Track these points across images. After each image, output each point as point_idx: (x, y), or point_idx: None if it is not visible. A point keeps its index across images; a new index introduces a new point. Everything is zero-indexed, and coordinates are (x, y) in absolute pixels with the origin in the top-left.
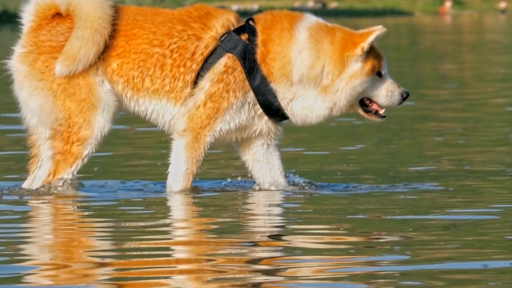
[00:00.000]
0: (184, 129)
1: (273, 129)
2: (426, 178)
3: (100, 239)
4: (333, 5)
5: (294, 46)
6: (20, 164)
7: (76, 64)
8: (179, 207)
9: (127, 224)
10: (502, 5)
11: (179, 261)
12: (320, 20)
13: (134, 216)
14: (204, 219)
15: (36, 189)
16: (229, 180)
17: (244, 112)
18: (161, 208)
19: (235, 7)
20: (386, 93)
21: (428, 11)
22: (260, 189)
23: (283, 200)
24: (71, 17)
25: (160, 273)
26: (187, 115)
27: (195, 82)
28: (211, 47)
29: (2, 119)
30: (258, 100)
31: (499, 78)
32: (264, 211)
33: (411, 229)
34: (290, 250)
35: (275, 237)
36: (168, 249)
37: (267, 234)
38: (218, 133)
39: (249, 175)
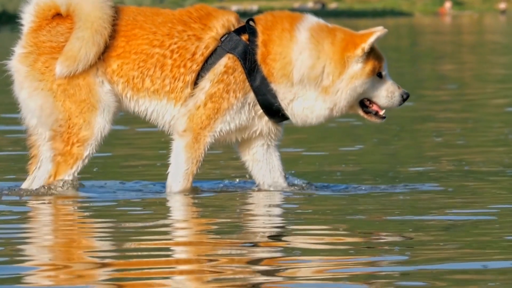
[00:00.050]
0: (184, 129)
1: (273, 130)
2: (426, 179)
3: (100, 239)
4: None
5: (294, 46)
6: (20, 164)
7: (76, 65)
8: (178, 207)
9: (127, 224)
10: (502, 5)
11: (178, 261)
12: (321, 21)
13: (134, 216)
14: (203, 220)
15: (36, 189)
16: (228, 181)
17: (244, 112)
18: (161, 208)
19: (234, 7)
20: (386, 94)
21: (427, 11)
22: (259, 190)
23: (282, 201)
24: (71, 18)
25: (160, 274)
26: (187, 116)
27: (195, 83)
28: (211, 48)
29: (2, 120)
30: (258, 100)
31: (498, 78)
32: (263, 211)
33: (410, 230)
34: (289, 251)
35: (275, 237)
36: (167, 249)
37: (267, 235)
38: (218, 133)
39: (246, 176)
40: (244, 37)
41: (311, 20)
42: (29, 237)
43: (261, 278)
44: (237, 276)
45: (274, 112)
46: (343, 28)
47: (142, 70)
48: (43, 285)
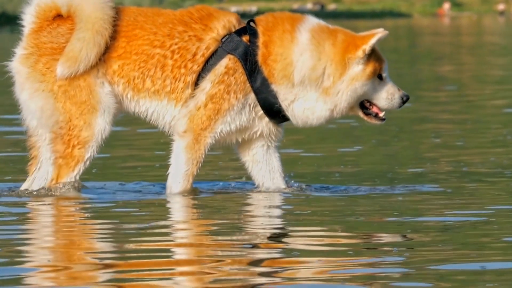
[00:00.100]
0: (184, 130)
1: (273, 131)
2: (424, 180)
3: (100, 240)
4: (331, 7)
5: (295, 47)
6: (19, 165)
7: (77, 66)
8: (178, 208)
9: (126, 225)
10: (501, 7)
11: (178, 262)
12: (322, 22)
13: (134, 217)
14: (203, 221)
15: (35, 190)
16: (226, 182)
17: (244, 113)
18: (161, 209)
19: (233, 8)
20: (386, 95)
21: (426, 13)
22: (259, 191)
23: (282, 202)
24: (72, 19)
25: (160, 275)
26: (188, 116)
27: (196, 83)
28: (212, 48)
29: (1, 121)
30: (259, 101)
31: (497, 80)
32: (263, 212)
33: (409, 231)
34: (288, 252)
35: (274, 238)
36: (167, 250)
37: (266, 236)
38: (218, 134)
39: (243, 178)
40: (245, 38)
41: (312, 21)
42: (29, 238)
43: (260, 279)
44: (236, 277)
45: (275, 113)
46: (344, 30)
47: (142, 70)
48: (43, 286)
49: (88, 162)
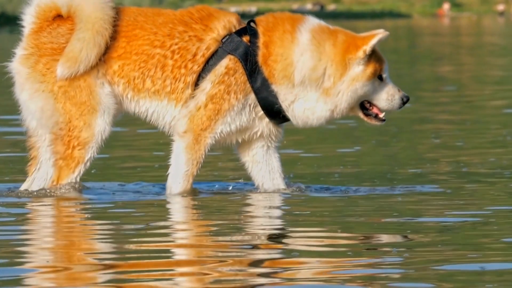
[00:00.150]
0: (184, 130)
1: (273, 131)
2: (424, 180)
3: (100, 241)
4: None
5: (296, 48)
6: (18, 166)
7: (78, 66)
8: (178, 209)
9: (126, 226)
10: (500, 7)
11: (178, 263)
12: (322, 23)
13: (133, 218)
14: (202, 221)
15: (35, 191)
16: (225, 182)
17: (245, 114)
18: (160, 210)
19: (233, 9)
20: (386, 96)
21: (426, 13)
22: (258, 191)
23: (281, 202)
24: (72, 19)
25: (159, 276)
26: (188, 117)
27: (196, 84)
28: (212, 49)
29: (0, 121)
30: (259, 102)
31: (497, 80)
32: (262, 213)
33: (408, 231)
34: (288, 252)
35: (273, 239)
36: (167, 251)
37: (266, 237)
38: (218, 134)
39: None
40: (245, 39)
41: (313, 21)
42: (28, 239)
43: (259, 280)
44: (236, 278)
45: (275, 113)
46: (344, 30)
47: (143, 70)
48: (42, 287)
49: (88, 163)
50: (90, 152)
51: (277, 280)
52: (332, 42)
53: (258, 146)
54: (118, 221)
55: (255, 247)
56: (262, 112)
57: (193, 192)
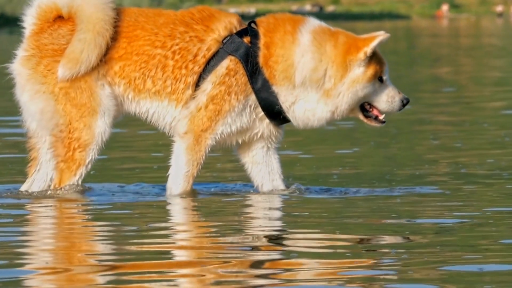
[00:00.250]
0: (185, 131)
1: (274, 132)
2: (423, 182)
3: (99, 242)
4: (330, 8)
5: (297, 49)
6: (17, 167)
7: (79, 67)
8: (177, 210)
9: (126, 227)
10: (499, 8)
11: (178, 264)
12: (323, 24)
13: (133, 219)
14: (202, 223)
15: (34, 192)
16: (225, 183)
17: (245, 114)
18: (160, 211)
19: (232, 10)
20: (386, 98)
21: (425, 14)
22: (258, 193)
23: (280, 204)
24: (73, 20)
25: (159, 277)
26: (189, 117)
27: (196, 84)
28: (213, 50)
29: (0, 122)
30: (259, 103)
31: (495, 81)
32: (261, 214)
33: (407, 233)
34: (287, 254)
35: (272, 240)
36: (167, 252)
37: (264, 238)
38: (219, 135)
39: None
40: (246, 40)
41: (314, 23)
42: (28, 240)
43: (258, 281)
44: (235, 279)
45: (275, 114)
46: (345, 32)
47: (143, 71)
48: None
49: (89, 165)
50: (90, 154)
51: (276, 281)
52: (333, 43)
53: (258, 147)
54: (119, 223)
55: (254, 248)
56: (262, 113)
57: (193, 193)
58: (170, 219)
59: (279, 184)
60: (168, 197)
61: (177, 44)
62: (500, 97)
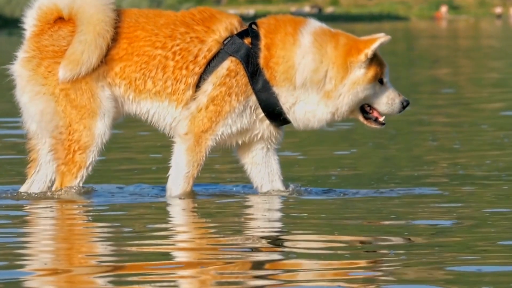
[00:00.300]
0: (186, 132)
1: (274, 133)
2: (421, 183)
3: (99, 243)
4: (329, 10)
5: (297, 50)
6: (16, 168)
7: (79, 68)
8: (176, 211)
9: (125, 228)
10: (498, 10)
11: (178, 265)
12: (324, 25)
13: (132, 220)
14: (201, 224)
15: (33, 193)
16: (224, 185)
17: (246, 116)
18: (160, 212)
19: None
20: (387, 100)
21: (424, 16)
22: (257, 194)
23: (280, 205)
24: (73, 21)
25: (159, 278)
26: (189, 118)
27: (197, 85)
28: (214, 51)
29: None
30: (260, 104)
31: (494, 82)
32: (260, 215)
33: (406, 233)
34: (286, 255)
35: (272, 241)
36: (167, 253)
37: (263, 239)
38: (219, 136)
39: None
40: (247, 41)
41: (314, 24)
42: (27, 241)
43: (258, 282)
44: (235, 280)
45: (276, 115)
46: (346, 33)
47: (144, 72)
48: None
49: (90, 168)
50: (91, 156)
51: (275, 282)
52: (333, 45)
53: (257, 148)
54: (118, 224)
55: (253, 249)
56: (263, 114)
57: (192, 195)
58: (169, 220)
59: (279, 185)
60: (168, 198)
61: (177, 45)
62: (498, 99)
